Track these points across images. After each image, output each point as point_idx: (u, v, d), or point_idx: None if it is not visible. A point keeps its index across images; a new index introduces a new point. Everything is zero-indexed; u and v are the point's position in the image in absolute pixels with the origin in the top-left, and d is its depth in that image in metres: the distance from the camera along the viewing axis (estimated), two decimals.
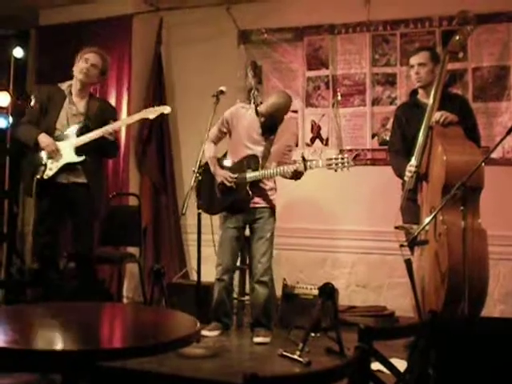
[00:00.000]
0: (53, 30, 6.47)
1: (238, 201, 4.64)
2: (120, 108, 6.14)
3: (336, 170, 4.31)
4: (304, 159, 4.37)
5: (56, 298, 4.48)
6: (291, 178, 4.51)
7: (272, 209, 4.71)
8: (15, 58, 6.45)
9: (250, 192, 4.58)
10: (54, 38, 6.35)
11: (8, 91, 6.35)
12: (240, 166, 4.64)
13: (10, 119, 6.29)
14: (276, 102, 4.58)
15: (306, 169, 4.38)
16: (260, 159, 4.59)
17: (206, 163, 4.73)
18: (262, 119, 4.61)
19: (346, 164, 4.28)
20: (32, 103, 4.77)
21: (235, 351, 4.47)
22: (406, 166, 4.24)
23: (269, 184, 4.71)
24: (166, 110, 4.71)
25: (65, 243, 5.02)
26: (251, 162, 4.60)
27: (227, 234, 4.71)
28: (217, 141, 4.77)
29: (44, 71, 6.45)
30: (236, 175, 4.61)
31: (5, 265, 6.04)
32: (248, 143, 4.66)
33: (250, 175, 4.57)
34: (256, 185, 4.61)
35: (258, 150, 4.63)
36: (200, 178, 4.48)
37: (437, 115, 4.13)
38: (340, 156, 4.33)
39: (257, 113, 4.66)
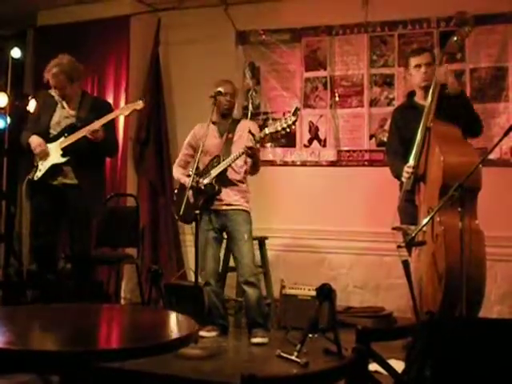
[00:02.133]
0: (51, 31, 6.47)
1: (208, 198, 4.69)
2: (118, 108, 6.13)
3: (282, 132, 4.40)
4: (252, 133, 4.49)
5: (54, 299, 4.48)
6: (251, 159, 4.65)
7: (245, 211, 4.75)
8: (13, 59, 6.44)
9: (216, 186, 4.65)
10: (51, 39, 6.34)
11: (6, 92, 6.34)
12: (206, 170, 4.74)
13: (8, 120, 6.28)
14: (229, 86, 4.86)
15: (256, 141, 4.48)
16: (222, 157, 4.69)
17: (181, 184, 4.84)
18: (226, 98, 4.79)
19: (288, 120, 4.36)
20: (32, 110, 4.81)
21: (233, 352, 4.48)
22: (403, 167, 4.25)
23: (241, 186, 4.77)
24: (139, 105, 4.70)
25: (63, 244, 5.02)
26: (214, 161, 4.71)
27: (205, 237, 4.73)
28: (185, 165, 4.89)
29: (42, 72, 6.40)
30: (204, 179, 4.70)
31: (2, 266, 6.03)
32: (212, 152, 4.76)
33: (213, 171, 4.66)
34: (223, 181, 4.68)
35: (220, 151, 4.74)
36: (176, 198, 4.79)
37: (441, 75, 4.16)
38: (283, 117, 4.46)
39: (212, 122, 4.80)
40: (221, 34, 6.26)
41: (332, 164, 5.96)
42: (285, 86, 6.12)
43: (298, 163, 6.03)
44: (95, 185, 4.77)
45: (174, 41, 6.57)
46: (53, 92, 4.71)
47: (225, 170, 4.64)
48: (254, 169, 4.76)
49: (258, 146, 4.57)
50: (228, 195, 4.70)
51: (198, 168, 4.61)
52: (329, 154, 5.96)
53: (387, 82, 5.81)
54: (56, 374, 2.90)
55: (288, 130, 4.40)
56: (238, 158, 4.58)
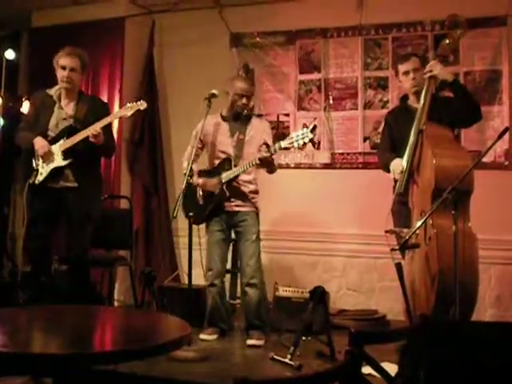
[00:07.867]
0: (45, 32, 6.45)
1: (218, 203, 4.69)
2: (112, 110, 6.12)
3: (299, 148, 4.42)
4: (267, 145, 4.51)
5: (47, 301, 4.47)
6: (265, 168, 4.61)
7: (255, 212, 4.75)
8: (7, 60, 6.42)
9: (227, 191, 4.63)
10: (46, 40, 6.32)
11: None
12: (216, 171, 4.72)
13: (2, 121, 6.26)
14: (248, 87, 4.80)
15: (271, 154, 4.42)
16: (233, 160, 4.67)
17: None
18: (242, 101, 4.73)
19: (305, 137, 4.31)
20: (26, 110, 4.76)
21: (226, 354, 4.46)
22: (391, 159, 4.30)
23: (250, 187, 4.75)
24: (142, 105, 4.64)
25: (57, 246, 5.00)
26: (225, 164, 4.69)
27: (214, 238, 4.73)
28: (195, 158, 4.71)
29: (36, 73, 6.43)
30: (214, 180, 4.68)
31: None
32: (221, 149, 4.74)
33: (224, 175, 4.63)
34: (233, 184, 4.65)
35: (231, 152, 4.71)
36: (184, 193, 4.59)
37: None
38: (300, 132, 4.35)
39: (222, 118, 4.80)
40: (215, 36, 6.26)
41: (326, 166, 5.96)
42: (279, 89, 6.12)
43: (292, 165, 6.03)
44: (94, 187, 4.76)
45: (168, 43, 6.57)
46: (52, 91, 4.68)
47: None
48: (270, 173, 4.71)
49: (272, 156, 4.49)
50: (238, 196, 4.68)
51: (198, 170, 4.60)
52: (323, 157, 5.96)
53: (381, 84, 5.81)
54: (49, 377, 2.89)
55: (303, 146, 4.40)
56: (250, 167, 4.55)
